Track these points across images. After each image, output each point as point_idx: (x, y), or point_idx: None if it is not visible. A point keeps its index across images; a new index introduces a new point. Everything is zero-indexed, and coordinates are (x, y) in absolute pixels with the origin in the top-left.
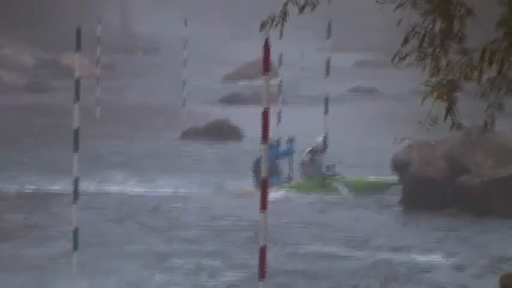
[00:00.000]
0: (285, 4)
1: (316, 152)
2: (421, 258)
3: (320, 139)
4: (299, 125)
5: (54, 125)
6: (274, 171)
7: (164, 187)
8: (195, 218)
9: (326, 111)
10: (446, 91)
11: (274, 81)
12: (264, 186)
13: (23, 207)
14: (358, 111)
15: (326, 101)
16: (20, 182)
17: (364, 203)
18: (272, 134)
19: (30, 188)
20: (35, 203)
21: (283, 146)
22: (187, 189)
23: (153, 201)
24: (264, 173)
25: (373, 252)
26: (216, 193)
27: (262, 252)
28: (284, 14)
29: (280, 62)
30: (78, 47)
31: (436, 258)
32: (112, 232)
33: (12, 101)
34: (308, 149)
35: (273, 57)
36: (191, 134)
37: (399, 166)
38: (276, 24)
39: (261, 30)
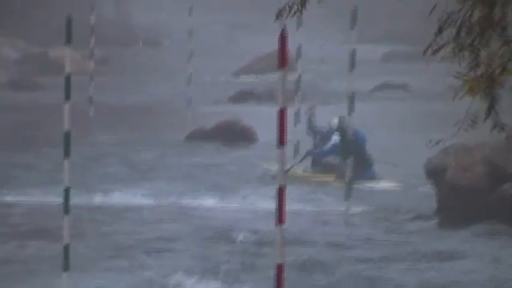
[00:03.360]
0: None
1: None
2: None
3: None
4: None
5: (42, 127)
6: (368, 162)
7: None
8: None
9: (351, 110)
10: (483, 85)
11: (292, 77)
12: (280, 196)
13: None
14: (386, 111)
15: (351, 98)
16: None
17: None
18: (289, 136)
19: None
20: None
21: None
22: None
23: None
24: (280, 180)
25: None
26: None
27: (279, 269)
28: (304, 1)
29: (298, 55)
30: (68, 38)
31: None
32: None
33: None
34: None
35: (291, 49)
36: (197, 137)
37: (433, 173)
38: (294, 13)
39: (276, 20)
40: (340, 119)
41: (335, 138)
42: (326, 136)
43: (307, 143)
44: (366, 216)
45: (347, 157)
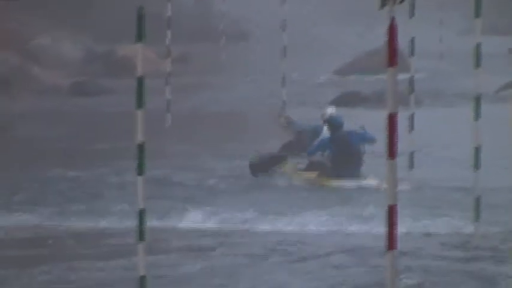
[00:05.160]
0: None
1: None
2: None
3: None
4: (439, 134)
5: (110, 139)
6: (357, 162)
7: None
8: None
9: (477, 115)
10: None
11: (403, 76)
12: (391, 215)
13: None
14: None
15: (477, 101)
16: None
17: None
18: (402, 144)
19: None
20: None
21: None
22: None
23: None
24: (391, 200)
25: None
26: None
27: None
28: None
29: (411, 49)
30: (140, 34)
31: None
32: None
33: (53, 108)
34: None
35: (402, 43)
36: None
37: None
38: (402, 0)
39: (381, 8)
40: (331, 115)
41: (324, 133)
42: (316, 130)
43: (423, 153)
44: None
45: (335, 153)
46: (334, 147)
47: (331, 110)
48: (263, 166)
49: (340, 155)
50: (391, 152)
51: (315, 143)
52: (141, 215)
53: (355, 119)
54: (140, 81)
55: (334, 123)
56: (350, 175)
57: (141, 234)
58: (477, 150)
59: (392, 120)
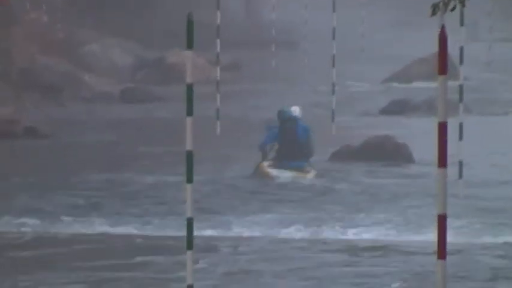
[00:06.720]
0: None
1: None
2: None
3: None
4: (488, 142)
5: (160, 145)
6: (302, 153)
7: None
8: None
9: None
10: None
11: (453, 83)
12: (440, 225)
13: None
14: None
15: None
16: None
17: None
18: (451, 153)
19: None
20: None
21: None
22: None
23: None
24: (440, 209)
25: None
26: None
27: None
28: None
29: (461, 58)
30: (189, 41)
31: None
32: None
33: (103, 114)
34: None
35: (452, 51)
36: (343, 156)
37: None
38: (453, 9)
39: (432, 16)
40: (281, 109)
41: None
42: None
43: (475, 162)
44: None
45: (282, 144)
46: (281, 138)
47: (294, 109)
48: None
49: (286, 145)
50: (442, 161)
51: (265, 135)
52: (189, 223)
53: (404, 128)
54: (190, 89)
55: (281, 116)
56: (290, 165)
57: (189, 243)
58: None
59: (442, 128)
